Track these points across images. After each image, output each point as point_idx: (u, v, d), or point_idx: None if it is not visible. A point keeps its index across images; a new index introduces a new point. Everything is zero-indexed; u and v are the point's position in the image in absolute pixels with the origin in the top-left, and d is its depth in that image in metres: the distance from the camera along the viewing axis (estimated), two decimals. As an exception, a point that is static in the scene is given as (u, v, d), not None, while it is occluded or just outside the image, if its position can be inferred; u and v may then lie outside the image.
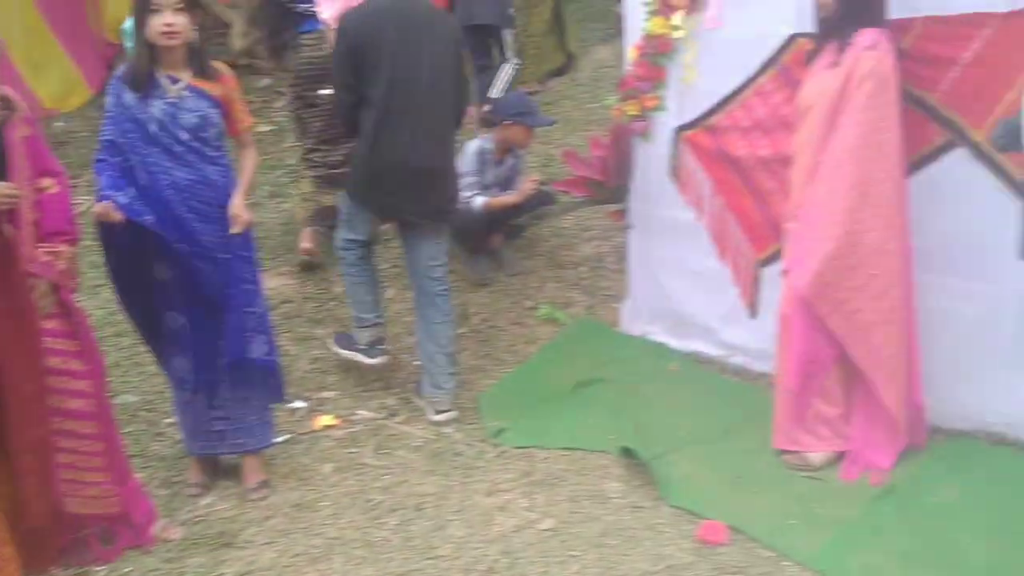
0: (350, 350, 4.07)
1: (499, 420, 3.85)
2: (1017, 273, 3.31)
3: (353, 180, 3.86)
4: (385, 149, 3.64)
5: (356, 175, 3.83)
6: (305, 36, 4.56)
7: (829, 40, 3.29)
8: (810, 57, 3.40)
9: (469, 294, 4.65)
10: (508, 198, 4.70)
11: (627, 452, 3.51)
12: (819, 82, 3.28)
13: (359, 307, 4.00)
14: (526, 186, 4.70)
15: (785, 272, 3.42)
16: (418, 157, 3.67)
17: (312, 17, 4.41)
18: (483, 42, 6.12)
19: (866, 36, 3.17)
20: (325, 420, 3.89)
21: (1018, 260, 3.30)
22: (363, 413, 3.95)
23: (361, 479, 3.53)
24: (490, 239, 4.83)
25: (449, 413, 3.88)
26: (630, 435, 3.63)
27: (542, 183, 4.87)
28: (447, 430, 3.82)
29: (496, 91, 5.75)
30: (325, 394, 4.08)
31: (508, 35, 6.14)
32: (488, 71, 6.02)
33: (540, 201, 4.86)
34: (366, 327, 4.01)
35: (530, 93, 5.96)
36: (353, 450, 3.71)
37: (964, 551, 3.00)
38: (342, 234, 3.96)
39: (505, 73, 5.92)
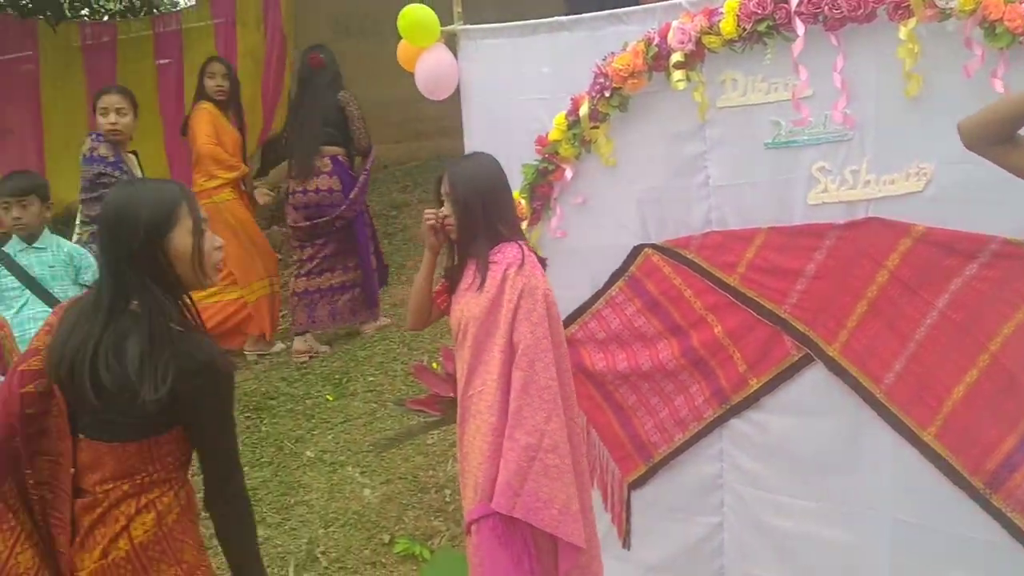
0: None
1: None
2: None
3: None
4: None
5: None
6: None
7: (467, 258, 2.90)
8: (451, 277, 3.00)
9: (318, 529, 4.17)
10: None
11: None
12: (467, 306, 2.83)
13: None
14: None
15: (469, 526, 2.84)
16: None
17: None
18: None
19: (508, 252, 2.79)
20: None
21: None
22: None
23: None
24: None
25: None
26: None
27: None
28: None
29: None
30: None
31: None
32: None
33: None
34: None
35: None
36: None
37: None
38: None
39: None
